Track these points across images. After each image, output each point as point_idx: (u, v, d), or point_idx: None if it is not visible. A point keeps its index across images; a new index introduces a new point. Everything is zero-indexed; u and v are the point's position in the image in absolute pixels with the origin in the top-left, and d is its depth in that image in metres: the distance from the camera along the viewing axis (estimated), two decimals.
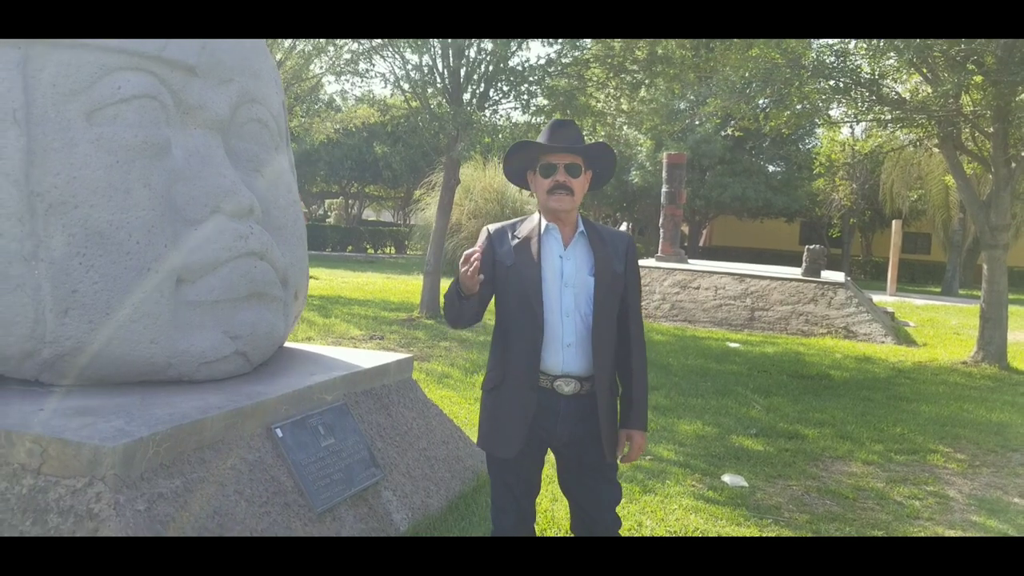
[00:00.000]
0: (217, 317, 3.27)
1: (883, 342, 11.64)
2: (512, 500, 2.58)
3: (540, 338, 2.44)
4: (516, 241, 2.51)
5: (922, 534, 4.21)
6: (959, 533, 4.26)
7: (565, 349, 2.46)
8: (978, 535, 4.23)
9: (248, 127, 3.62)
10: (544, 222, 2.53)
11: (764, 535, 4.02)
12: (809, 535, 4.06)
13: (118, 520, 2.40)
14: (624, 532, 3.80)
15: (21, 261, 2.89)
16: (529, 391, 2.44)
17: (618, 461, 2.58)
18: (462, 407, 6.24)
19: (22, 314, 2.92)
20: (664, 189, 15.93)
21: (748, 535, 4.00)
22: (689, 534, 3.95)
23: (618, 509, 2.62)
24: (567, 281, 2.48)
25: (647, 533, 3.92)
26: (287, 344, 4.38)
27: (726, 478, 4.91)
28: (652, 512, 4.20)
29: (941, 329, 14.25)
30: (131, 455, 2.53)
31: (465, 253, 2.31)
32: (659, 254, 15.81)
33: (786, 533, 4.07)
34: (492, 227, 2.59)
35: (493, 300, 2.57)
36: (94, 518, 2.40)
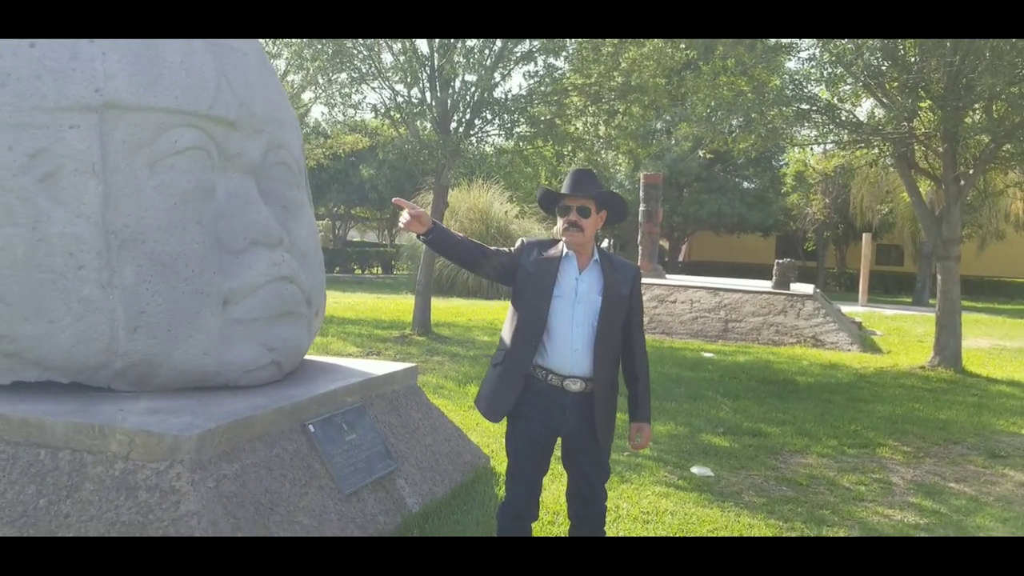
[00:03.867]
0: (256, 332, 3.88)
1: (849, 350, 12.35)
2: (524, 475, 3.17)
3: (537, 339, 3.06)
4: (542, 257, 3.14)
5: (865, 514, 4.84)
6: (897, 512, 4.90)
7: (573, 353, 3.07)
8: (914, 514, 4.87)
9: (275, 169, 4.24)
10: (566, 249, 3.17)
11: (725, 515, 4.64)
12: (764, 515, 4.69)
13: (195, 494, 3.00)
14: None
15: (99, 288, 3.48)
16: (520, 376, 3.07)
17: (632, 448, 3.24)
18: (457, 414, 6.83)
19: (100, 332, 3.51)
20: (641, 208, 16.66)
21: (711, 515, 4.62)
22: (659, 515, 4.57)
23: None
24: (580, 298, 3.09)
25: (623, 515, 4.53)
26: (306, 356, 4.98)
27: (694, 469, 5.54)
28: (628, 497, 4.82)
29: (907, 337, 15.00)
30: (202, 443, 3.13)
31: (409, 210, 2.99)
32: None
33: (745, 514, 4.70)
34: (528, 239, 3.26)
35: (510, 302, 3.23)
36: (176, 493, 2.99)
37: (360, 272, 34.81)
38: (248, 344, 3.85)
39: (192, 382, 3.77)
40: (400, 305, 16.74)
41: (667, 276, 17.11)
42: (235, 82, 3.94)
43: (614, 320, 3.09)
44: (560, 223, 3.11)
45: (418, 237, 3.08)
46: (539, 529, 4.19)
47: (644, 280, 14.87)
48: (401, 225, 3.02)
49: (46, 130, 3.42)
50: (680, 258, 35.72)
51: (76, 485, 3.04)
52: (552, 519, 4.34)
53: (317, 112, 36.38)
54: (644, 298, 14.01)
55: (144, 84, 3.57)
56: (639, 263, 16.77)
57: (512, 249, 3.21)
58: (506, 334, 3.17)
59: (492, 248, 3.22)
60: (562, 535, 4.06)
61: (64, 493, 3.03)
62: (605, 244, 38.33)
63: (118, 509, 2.97)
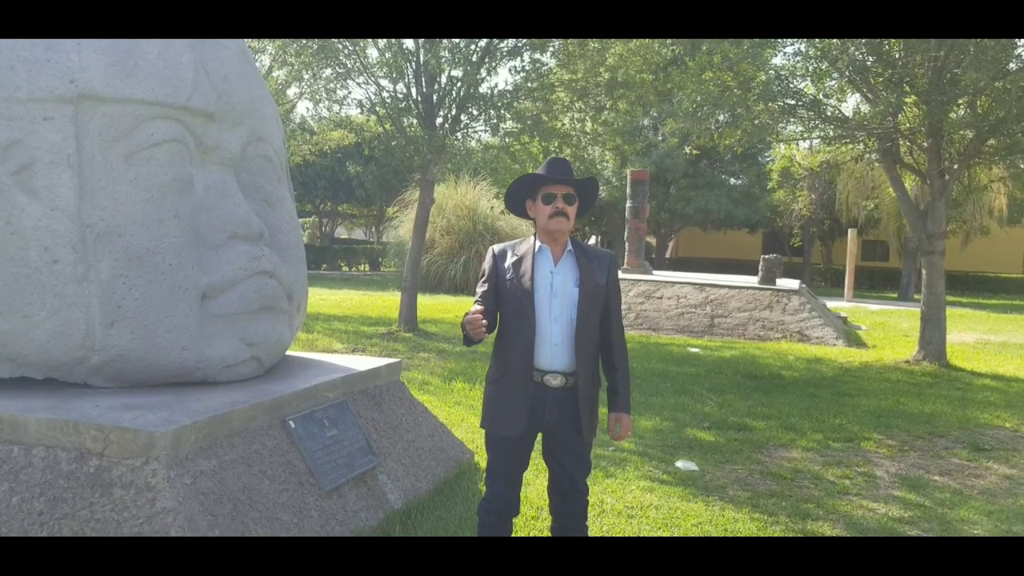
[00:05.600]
0: (235, 327, 3.84)
1: (835, 345, 12.38)
2: (504, 471, 3.13)
3: (533, 339, 3.01)
4: (515, 258, 3.09)
5: (849, 507, 4.84)
6: (882, 506, 4.90)
7: (553, 348, 3.03)
8: (898, 507, 4.87)
9: (256, 163, 4.19)
10: (538, 243, 3.11)
11: (710, 509, 4.63)
12: (749, 509, 4.68)
13: (171, 491, 2.95)
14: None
15: (75, 282, 3.43)
16: (527, 382, 3.01)
17: (611, 438, 3.18)
18: (442, 410, 6.80)
19: (75, 327, 3.46)
20: (628, 204, 16.63)
21: (696, 509, 4.61)
22: (644, 509, 4.55)
23: None
24: (556, 292, 3.04)
25: (608, 509, 4.51)
26: (288, 352, 4.93)
27: (679, 464, 5.52)
28: (612, 492, 4.80)
29: (891, 332, 15.06)
30: (178, 439, 3.09)
31: (469, 320, 2.82)
32: (624, 266, 16.49)
33: (729, 508, 4.68)
34: (496, 247, 3.17)
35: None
36: (152, 490, 2.95)
37: (347, 269, 34.70)
38: (227, 339, 3.81)
39: (170, 378, 3.73)
40: (387, 302, 16.68)
41: (654, 272, 17.11)
42: (214, 74, 3.89)
43: (592, 311, 3.06)
44: (546, 210, 3.04)
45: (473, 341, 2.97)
46: (523, 524, 4.17)
47: (631, 276, 14.89)
48: (473, 335, 2.87)
49: (19, 122, 3.37)
50: (667, 254, 35.76)
51: (50, 482, 2.99)
52: (536, 514, 4.31)
53: (303, 108, 36.21)
54: (631, 294, 14.09)
55: (120, 75, 3.52)
56: (625, 260, 16.75)
57: (487, 271, 3.12)
58: (499, 346, 3.11)
59: (482, 292, 3.08)
60: (545, 529, 4.04)
61: (37, 491, 2.98)
62: (593, 240, 38.35)
63: (92, 506, 2.92)
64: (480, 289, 3.11)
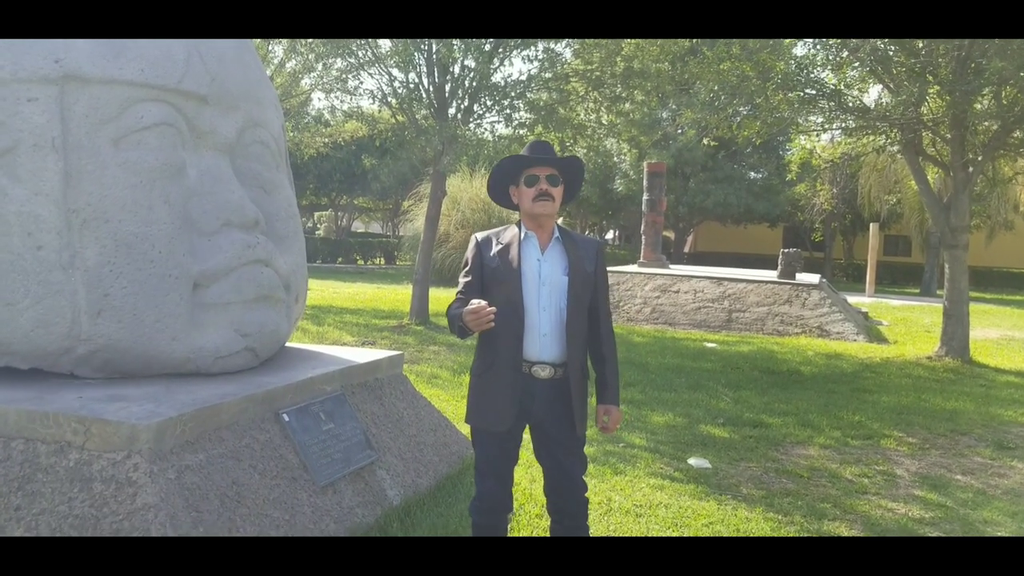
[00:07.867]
0: (229, 317, 3.71)
1: (855, 340, 12.13)
2: (493, 467, 2.99)
3: (521, 328, 2.88)
4: (500, 247, 2.96)
5: (867, 507, 4.66)
6: (901, 505, 4.72)
7: (542, 338, 2.89)
8: (919, 507, 4.69)
9: (252, 148, 4.06)
10: (524, 231, 2.98)
11: (722, 508, 4.47)
12: (763, 508, 4.51)
13: (153, 486, 2.83)
14: (593, 507, 4.23)
15: (60, 270, 3.32)
16: (515, 373, 2.88)
17: (599, 430, 3.04)
18: (450, 404, 6.67)
19: (61, 316, 3.35)
20: (645, 197, 16.43)
21: (707, 508, 4.44)
22: (653, 508, 4.40)
23: (591, 488, 3.07)
24: (544, 280, 2.91)
25: (615, 508, 4.36)
26: (288, 344, 4.81)
27: (692, 461, 5.36)
28: (621, 490, 4.65)
29: (913, 327, 14.77)
30: (162, 432, 2.96)
31: (484, 312, 2.67)
32: (641, 260, 16.29)
33: (742, 507, 4.52)
34: (480, 235, 3.04)
35: None
36: (133, 485, 2.83)
37: (362, 263, 34.69)
38: (220, 329, 3.68)
39: (161, 369, 3.61)
40: (400, 295, 16.58)
41: (670, 266, 16.90)
42: (208, 56, 3.76)
43: (581, 300, 2.93)
44: (529, 193, 2.91)
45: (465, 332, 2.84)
46: (526, 522, 4.03)
47: (647, 270, 14.70)
48: (474, 327, 2.75)
49: (2, 103, 3.26)
50: (686, 249, 35.43)
51: (28, 476, 2.88)
52: (540, 512, 4.16)
53: (317, 100, 36.15)
54: (646, 288, 13.90)
55: (107, 56, 3.40)
56: (642, 254, 16.55)
57: (470, 260, 2.99)
58: (485, 337, 2.96)
59: (466, 284, 2.96)
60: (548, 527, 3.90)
61: (15, 485, 2.86)
62: (610, 235, 38.14)
63: (71, 501, 2.81)
64: (463, 280, 2.98)
